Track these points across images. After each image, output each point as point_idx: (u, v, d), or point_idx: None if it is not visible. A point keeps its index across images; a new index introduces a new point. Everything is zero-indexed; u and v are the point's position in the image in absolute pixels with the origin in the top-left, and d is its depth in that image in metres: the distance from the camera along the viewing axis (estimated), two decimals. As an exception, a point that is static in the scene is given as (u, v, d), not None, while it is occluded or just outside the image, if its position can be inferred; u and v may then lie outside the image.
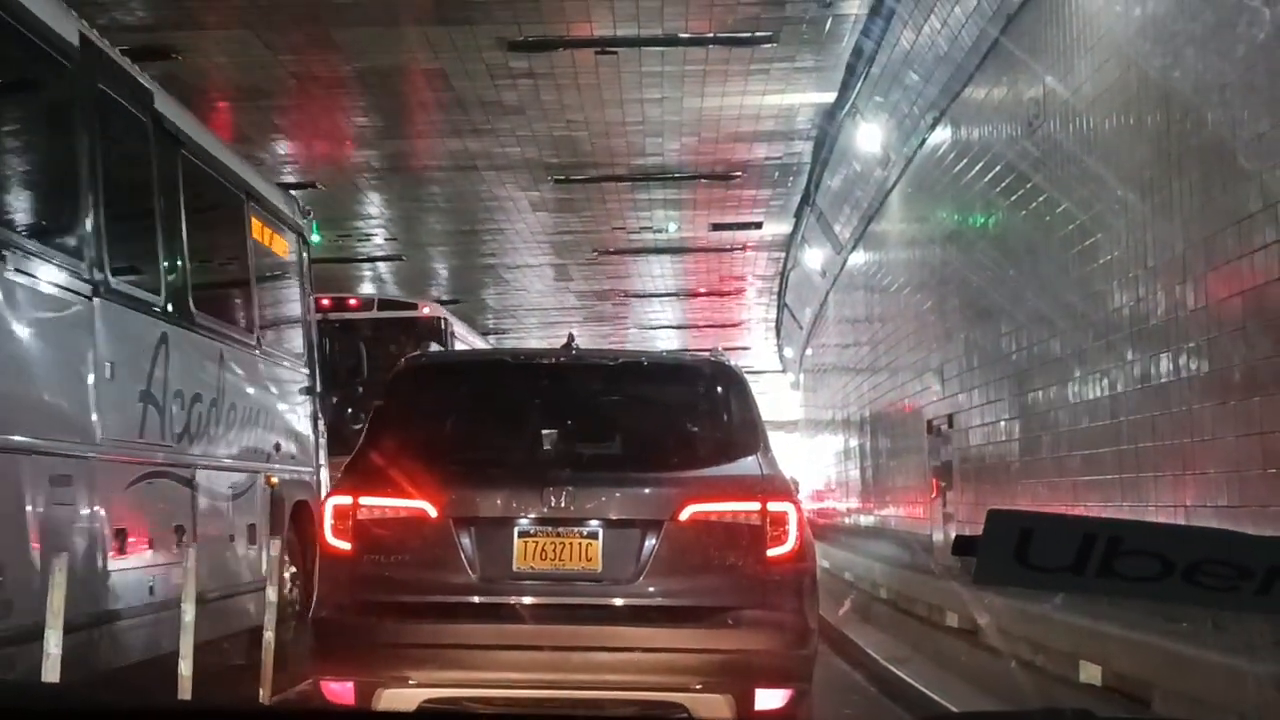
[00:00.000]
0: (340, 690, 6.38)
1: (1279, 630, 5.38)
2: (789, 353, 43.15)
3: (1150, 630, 6.93)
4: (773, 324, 40.71)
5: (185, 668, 6.92)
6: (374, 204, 25.20)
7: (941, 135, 16.19)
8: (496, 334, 39.95)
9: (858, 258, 23.71)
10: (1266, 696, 5.62)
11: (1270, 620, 4.93)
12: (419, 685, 6.23)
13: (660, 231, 27.31)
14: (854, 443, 25.51)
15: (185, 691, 6.76)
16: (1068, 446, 11.15)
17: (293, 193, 14.31)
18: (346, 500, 6.54)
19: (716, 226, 26.88)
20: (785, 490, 6.72)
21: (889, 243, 20.67)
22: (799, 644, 6.50)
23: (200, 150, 9.67)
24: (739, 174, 22.78)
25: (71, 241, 7.39)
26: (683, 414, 7.33)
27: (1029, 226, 12.42)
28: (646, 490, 6.62)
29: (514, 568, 6.41)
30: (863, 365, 24.13)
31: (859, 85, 17.78)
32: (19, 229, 6.99)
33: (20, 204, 7.42)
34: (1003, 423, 13.32)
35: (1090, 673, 7.92)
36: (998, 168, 13.44)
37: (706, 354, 7.92)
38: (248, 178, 10.91)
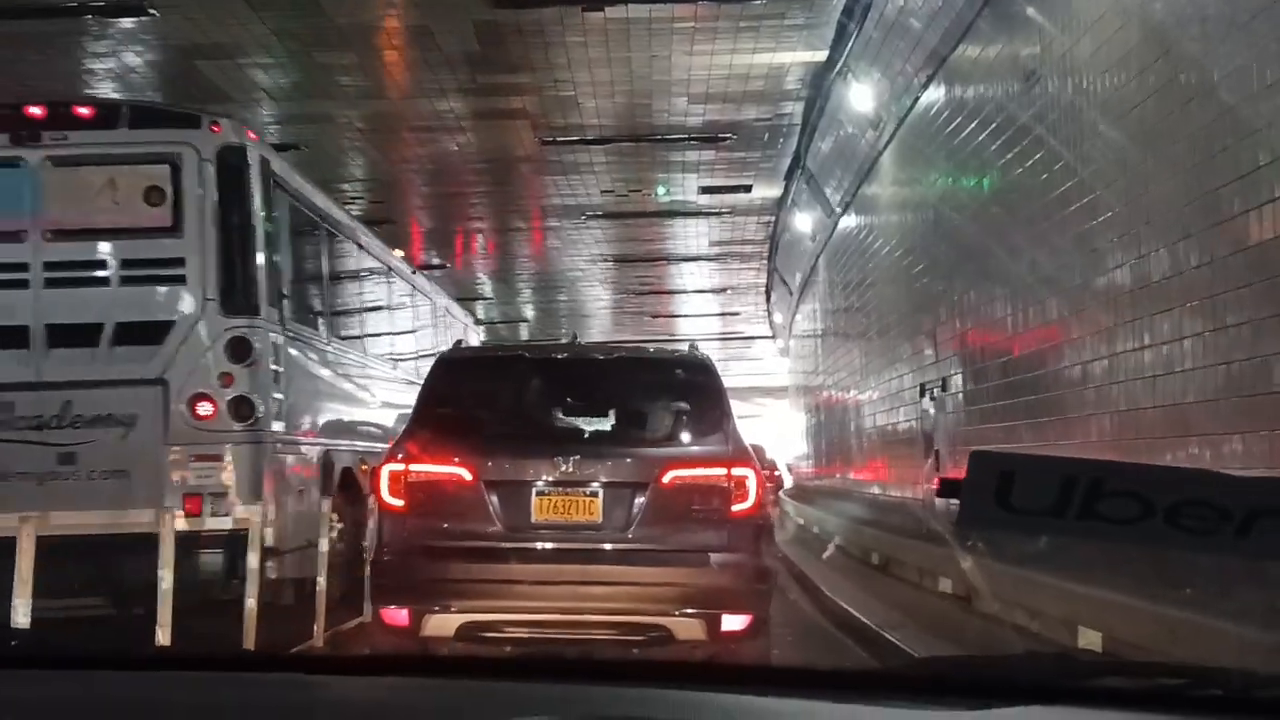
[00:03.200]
0: (396, 616, 7.92)
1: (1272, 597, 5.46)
2: (778, 318, 42.89)
3: (1149, 597, 7.08)
4: (763, 290, 40.45)
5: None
6: (359, 166, 24.87)
7: (935, 94, 15.91)
8: (480, 299, 39.79)
9: (849, 221, 23.44)
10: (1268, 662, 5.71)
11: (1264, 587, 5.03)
12: (458, 611, 7.81)
13: (649, 195, 26.99)
14: (845, 408, 25.31)
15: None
16: (1073, 408, 10.92)
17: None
18: (400, 467, 8.08)
19: (705, 190, 26.58)
20: (747, 458, 8.26)
21: (881, 205, 20.41)
22: (757, 580, 8.09)
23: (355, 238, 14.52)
24: (729, 135, 22.46)
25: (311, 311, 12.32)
26: (665, 397, 8.80)
27: (1025, 184, 12.16)
28: (635, 458, 8.17)
29: (532, 520, 7.97)
30: (853, 330, 23.91)
31: (850, 43, 17.47)
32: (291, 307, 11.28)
33: (291, 295, 11.50)
34: (994, 385, 13.10)
35: (1089, 638, 8.08)
36: (993, 125, 13.18)
37: (685, 348, 9.59)
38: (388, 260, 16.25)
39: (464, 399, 8.76)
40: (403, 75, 19.71)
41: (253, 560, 8.98)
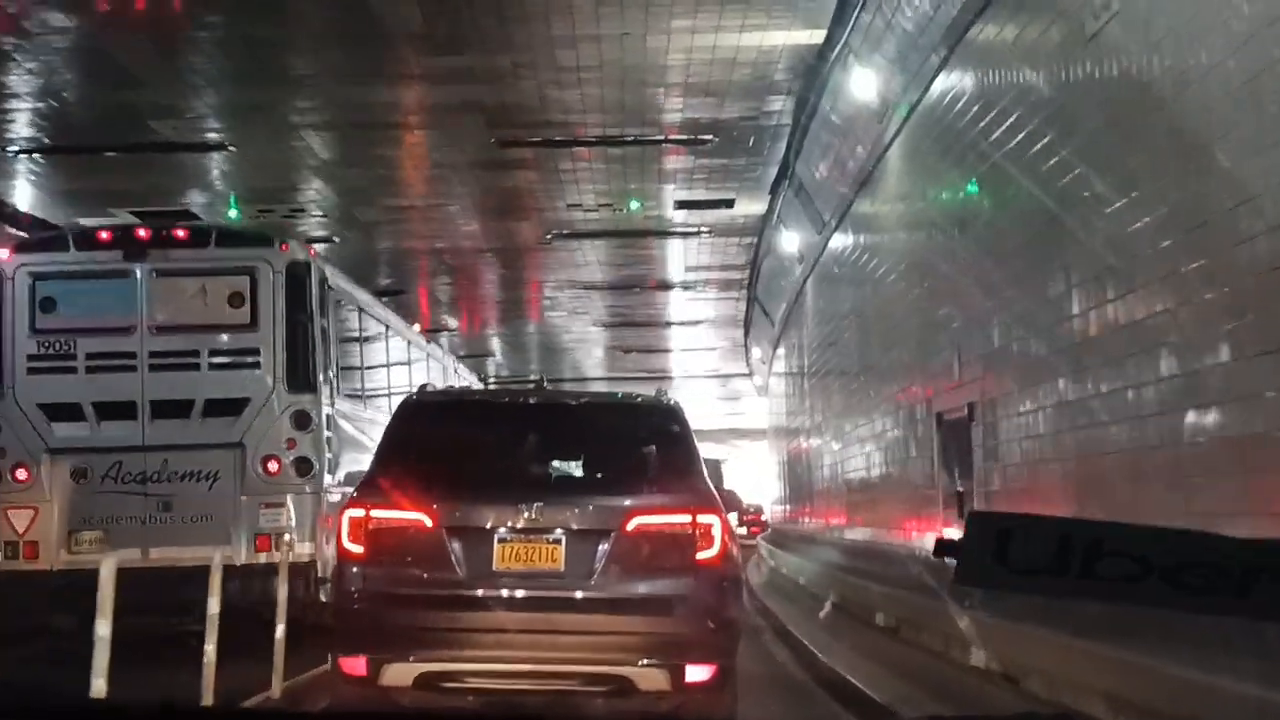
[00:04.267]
0: (355, 665, 7.87)
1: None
2: (757, 353, 40.42)
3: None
4: (741, 323, 37.97)
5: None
6: (307, 164, 22.23)
7: (954, 77, 13.48)
8: (445, 330, 37.03)
9: (842, 238, 21.02)
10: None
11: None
12: (417, 660, 7.76)
13: (620, 210, 24.53)
14: (836, 450, 22.77)
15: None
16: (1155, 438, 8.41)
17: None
18: (360, 513, 8.06)
19: (682, 204, 24.14)
20: (713, 505, 8.09)
21: (884, 214, 17.93)
22: (723, 630, 7.97)
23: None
24: (709, 137, 20.02)
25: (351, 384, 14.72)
26: (632, 443, 8.73)
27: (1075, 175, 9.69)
28: (599, 505, 8.07)
29: (494, 567, 7.85)
30: (848, 361, 21.42)
31: (854, 16, 15.05)
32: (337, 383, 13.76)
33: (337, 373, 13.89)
34: (1050, 411, 10.57)
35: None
36: (1033, 100, 10.75)
37: (654, 394, 9.54)
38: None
39: (427, 443, 8.69)
40: (337, 56, 17.24)
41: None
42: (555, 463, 9.07)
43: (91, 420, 12.91)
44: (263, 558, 12.24)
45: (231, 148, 20.32)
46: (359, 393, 15.04)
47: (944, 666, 10.64)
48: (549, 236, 26.52)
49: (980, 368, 12.43)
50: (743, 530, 42.08)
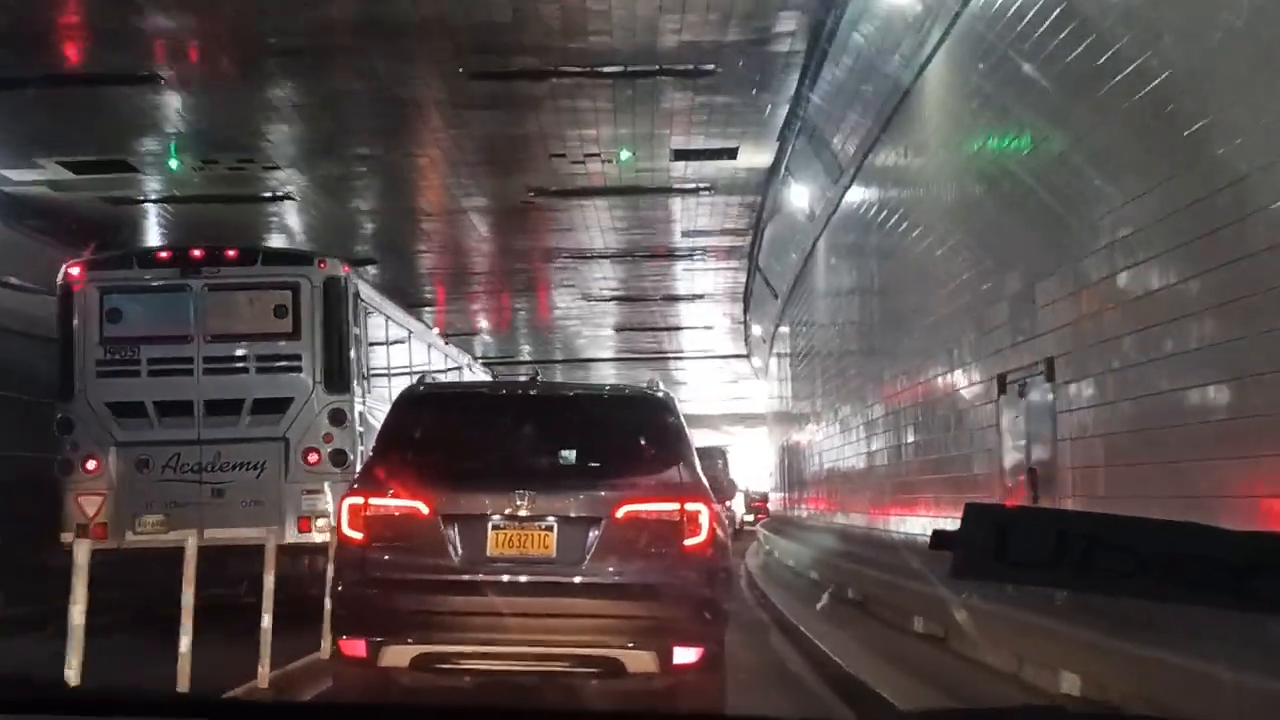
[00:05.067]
0: (355, 646, 8.22)
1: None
2: (758, 331, 37.82)
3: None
4: (740, 297, 35.35)
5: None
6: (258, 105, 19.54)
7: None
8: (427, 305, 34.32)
9: (862, 190, 18.42)
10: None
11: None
12: (414, 643, 8.11)
13: (610, 162, 21.89)
14: (856, 432, 20.16)
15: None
16: None
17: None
18: (359, 500, 8.48)
19: (681, 155, 21.50)
20: (701, 493, 8.41)
21: (923, 154, 15.31)
22: (710, 613, 8.24)
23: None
24: (710, 67, 17.35)
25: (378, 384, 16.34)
26: (623, 434, 8.99)
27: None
28: (590, 494, 8.41)
29: (488, 553, 8.21)
30: (872, 329, 18.81)
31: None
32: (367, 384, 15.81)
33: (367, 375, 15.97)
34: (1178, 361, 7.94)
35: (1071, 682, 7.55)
36: None
37: (645, 385, 9.60)
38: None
39: (424, 434, 8.94)
40: None
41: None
42: (548, 452, 9.17)
43: (153, 417, 14.61)
44: (304, 537, 13.82)
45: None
46: (386, 391, 15.95)
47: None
48: (530, 195, 23.85)
49: (1070, 308, 9.78)
50: (749, 517, 40.16)
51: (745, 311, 36.83)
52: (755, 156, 21.71)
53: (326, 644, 10.10)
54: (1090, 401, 9.38)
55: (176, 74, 17.65)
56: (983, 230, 12.44)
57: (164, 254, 16.11)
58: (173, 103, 18.76)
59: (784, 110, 19.32)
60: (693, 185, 23.66)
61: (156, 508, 14.36)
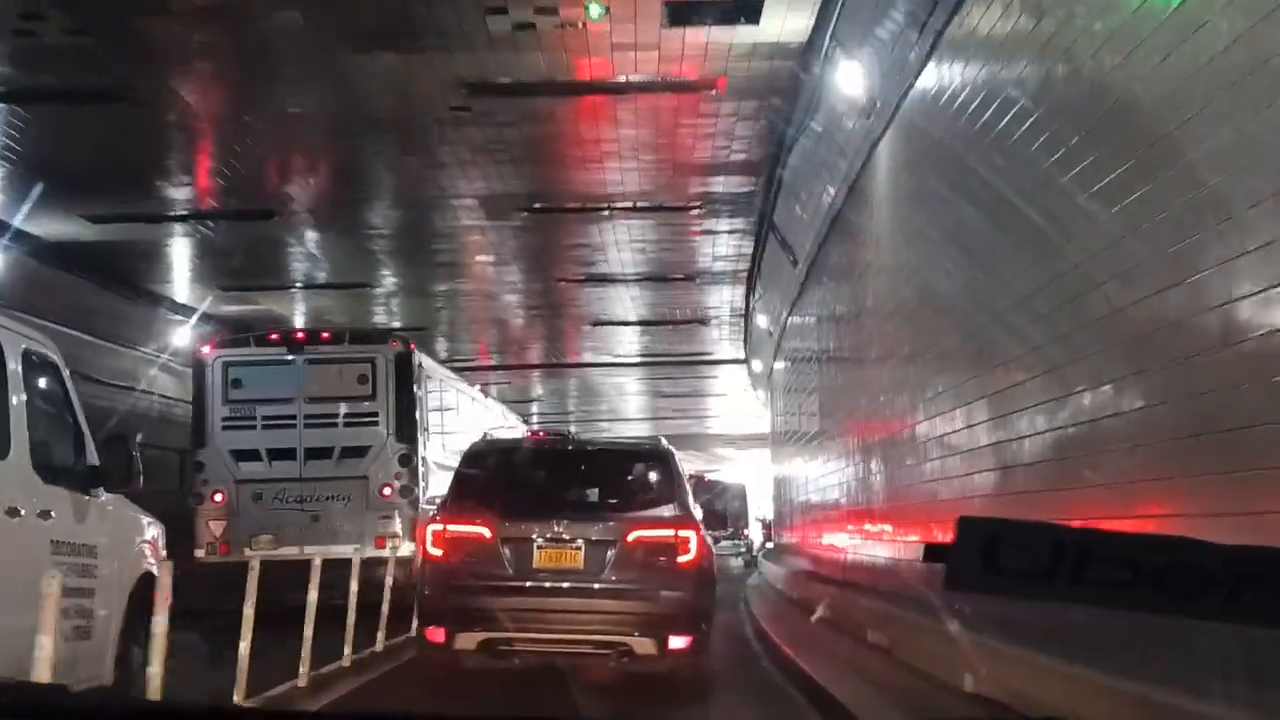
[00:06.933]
0: (436, 634, 11.04)
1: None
2: (763, 323, 30.64)
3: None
4: (742, 278, 28.25)
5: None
6: None
7: None
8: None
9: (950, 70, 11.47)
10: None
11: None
12: (480, 631, 10.88)
13: (569, 28, 14.80)
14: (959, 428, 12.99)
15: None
16: None
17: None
18: (440, 527, 11.51)
19: (676, 5, 14.45)
20: (692, 523, 11.44)
21: None
22: (698, 612, 11.15)
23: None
24: None
25: (434, 433, 21.09)
26: (634, 478, 12.26)
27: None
28: (609, 523, 11.34)
29: (534, 566, 11.08)
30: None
31: None
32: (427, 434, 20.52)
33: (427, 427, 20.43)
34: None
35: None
36: None
37: (652, 441, 13.42)
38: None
39: (488, 476, 11.97)
40: None
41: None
42: (578, 491, 12.34)
43: (265, 461, 19.22)
44: (379, 553, 16.83)
45: None
46: (439, 435, 20.95)
47: None
48: (463, 93, 16.77)
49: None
50: (770, 545, 35.71)
51: (749, 296, 29.67)
52: (787, 18, 14.69)
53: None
54: None
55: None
56: None
57: (274, 335, 20.78)
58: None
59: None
60: (693, 84, 16.59)
61: (268, 529, 18.52)
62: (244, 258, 24.76)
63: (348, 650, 12.41)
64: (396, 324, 31.90)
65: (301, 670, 10.89)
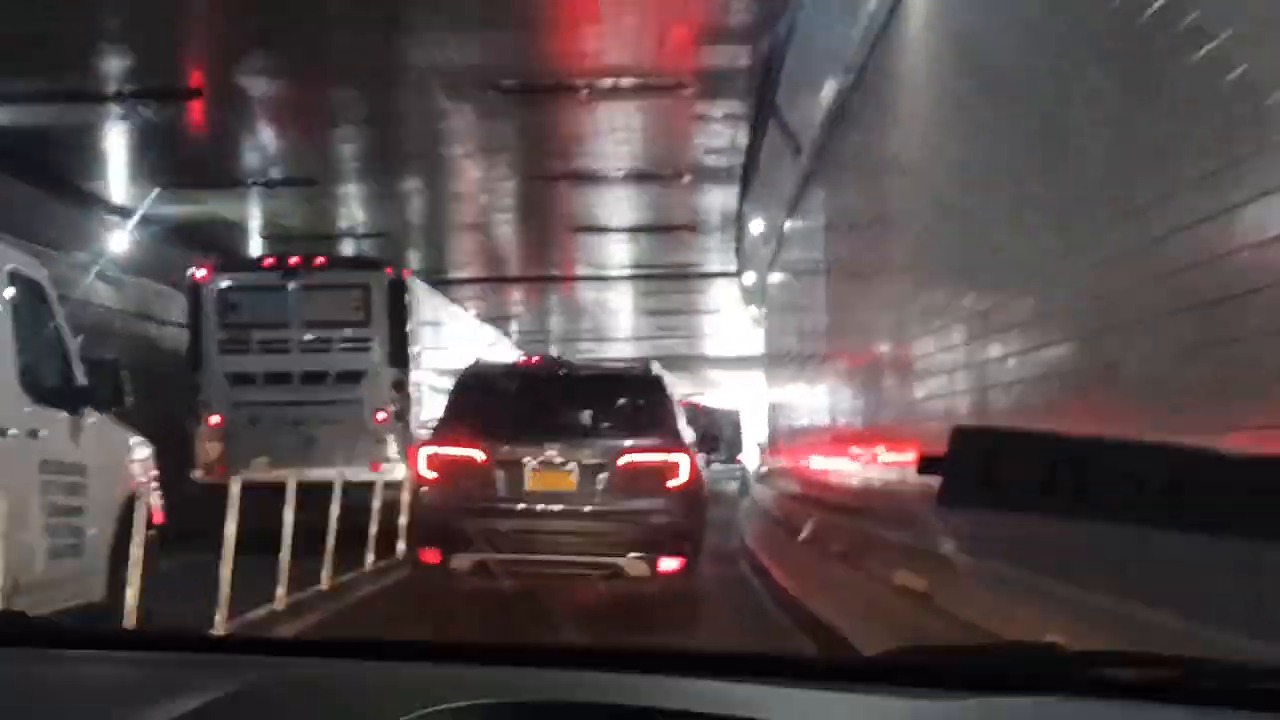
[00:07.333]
0: (430, 555, 11.34)
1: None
2: (758, 229, 28.04)
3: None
4: (735, 174, 25.60)
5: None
6: None
7: None
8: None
9: None
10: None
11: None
12: (474, 551, 11.06)
13: None
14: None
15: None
16: None
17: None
18: (434, 450, 11.83)
19: None
20: (683, 447, 11.75)
21: None
22: (688, 534, 11.48)
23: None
24: None
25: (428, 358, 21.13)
26: (624, 401, 12.38)
27: None
28: (601, 446, 11.52)
29: (526, 489, 11.35)
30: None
31: None
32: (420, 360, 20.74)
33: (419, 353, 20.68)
34: None
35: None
36: None
37: (644, 364, 13.86)
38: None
39: (480, 400, 12.11)
40: None
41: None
42: (570, 415, 12.18)
43: (261, 384, 19.58)
44: (374, 475, 16.79)
45: None
46: (434, 364, 21.01)
47: None
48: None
49: None
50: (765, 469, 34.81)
51: (741, 199, 27.10)
52: None
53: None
54: None
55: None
56: None
57: (268, 261, 21.38)
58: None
59: None
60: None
61: (263, 452, 18.33)
62: (189, 150, 21.99)
63: (325, 574, 12.61)
64: (359, 229, 29.13)
65: (279, 593, 10.93)
